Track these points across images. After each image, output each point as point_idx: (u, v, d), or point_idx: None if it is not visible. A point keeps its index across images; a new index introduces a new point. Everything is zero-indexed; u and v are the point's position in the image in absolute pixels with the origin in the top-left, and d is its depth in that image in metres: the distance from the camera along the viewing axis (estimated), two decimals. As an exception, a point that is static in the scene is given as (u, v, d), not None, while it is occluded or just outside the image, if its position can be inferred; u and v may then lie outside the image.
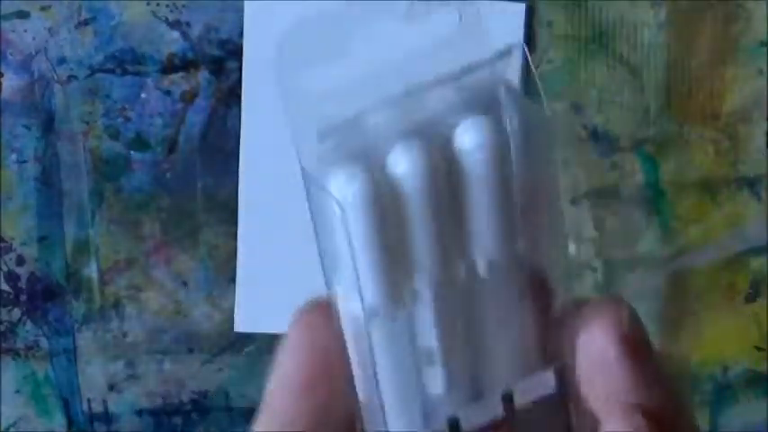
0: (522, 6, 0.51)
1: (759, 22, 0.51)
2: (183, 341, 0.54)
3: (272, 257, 0.53)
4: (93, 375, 0.55)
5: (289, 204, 0.52)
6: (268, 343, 0.54)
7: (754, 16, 0.51)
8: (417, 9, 0.52)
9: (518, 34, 0.51)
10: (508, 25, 0.51)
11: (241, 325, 0.54)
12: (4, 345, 0.54)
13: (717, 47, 0.51)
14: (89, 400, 0.55)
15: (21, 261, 0.53)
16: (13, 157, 0.52)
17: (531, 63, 0.30)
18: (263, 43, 0.51)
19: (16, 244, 0.53)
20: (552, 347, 0.30)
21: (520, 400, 0.29)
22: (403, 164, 0.28)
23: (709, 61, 0.52)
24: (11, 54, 0.51)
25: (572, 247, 0.54)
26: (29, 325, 0.54)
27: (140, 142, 0.52)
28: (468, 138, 0.28)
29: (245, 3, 0.50)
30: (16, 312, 0.54)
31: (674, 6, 0.51)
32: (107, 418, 0.55)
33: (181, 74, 0.51)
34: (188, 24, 0.51)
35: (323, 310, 0.30)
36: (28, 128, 0.52)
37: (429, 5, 0.52)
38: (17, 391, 0.54)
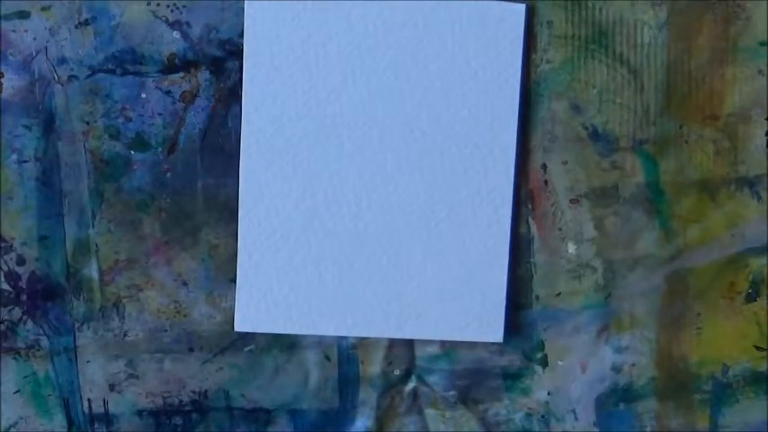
0: (522, 7, 0.51)
1: (759, 22, 0.51)
2: (183, 341, 0.54)
3: (272, 257, 0.53)
4: (94, 375, 0.55)
5: (289, 204, 0.52)
6: (268, 343, 0.54)
7: (754, 16, 0.51)
8: (418, 9, 0.53)
9: (518, 35, 0.51)
10: (508, 26, 0.51)
11: (241, 325, 0.54)
12: (4, 344, 0.55)
13: (717, 47, 0.51)
14: (89, 400, 0.55)
15: (21, 261, 0.53)
16: (14, 157, 0.52)
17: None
18: (263, 43, 0.51)
19: (17, 244, 0.53)
20: None
21: None
22: None
23: (709, 61, 0.52)
24: (11, 54, 0.51)
25: (572, 247, 0.54)
26: (29, 324, 0.54)
27: (141, 142, 0.52)
28: None
29: (246, 3, 0.51)
30: (17, 312, 0.54)
31: (673, 6, 0.51)
32: (107, 418, 0.55)
33: (181, 74, 0.51)
34: (188, 24, 0.51)
35: None
36: (28, 128, 0.52)
37: (430, 6, 0.53)
38: (17, 392, 0.54)
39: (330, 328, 0.54)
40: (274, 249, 0.53)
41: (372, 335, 0.54)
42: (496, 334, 0.54)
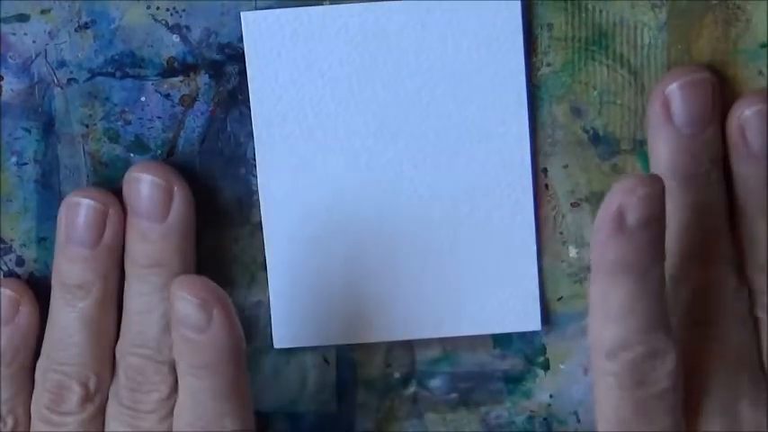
0: (517, 3, 0.51)
1: (759, 24, 0.51)
2: (183, 344, 0.54)
3: (300, 272, 0.53)
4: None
5: (311, 217, 0.52)
6: (267, 343, 0.54)
7: (754, 18, 0.51)
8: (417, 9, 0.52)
9: (516, 30, 0.51)
10: (505, 22, 0.51)
11: (279, 342, 0.53)
12: (6, 343, 0.55)
13: (717, 48, 0.51)
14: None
15: (20, 262, 0.54)
16: (13, 159, 0.52)
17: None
18: (265, 53, 0.51)
19: (16, 245, 0.53)
20: None
21: None
22: None
23: (710, 63, 0.52)
24: (11, 57, 0.51)
25: (573, 251, 0.54)
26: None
27: (140, 145, 0.52)
28: None
29: (242, 14, 0.50)
30: (18, 311, 0.54)
31: (674, 8, 0.51)
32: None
33: (180, 78, 0.52)
34: (188, 28, 0.51)
35: None
36: (28, 131, 0.52)
37: (428, 6, 0.53)
38: (18, 394, 0.54)
39: (373, 335, 0.53)
40: (303, 264, 0.53)
41: (421, 336, 0.54)
42: (534, 323, 0.53)
